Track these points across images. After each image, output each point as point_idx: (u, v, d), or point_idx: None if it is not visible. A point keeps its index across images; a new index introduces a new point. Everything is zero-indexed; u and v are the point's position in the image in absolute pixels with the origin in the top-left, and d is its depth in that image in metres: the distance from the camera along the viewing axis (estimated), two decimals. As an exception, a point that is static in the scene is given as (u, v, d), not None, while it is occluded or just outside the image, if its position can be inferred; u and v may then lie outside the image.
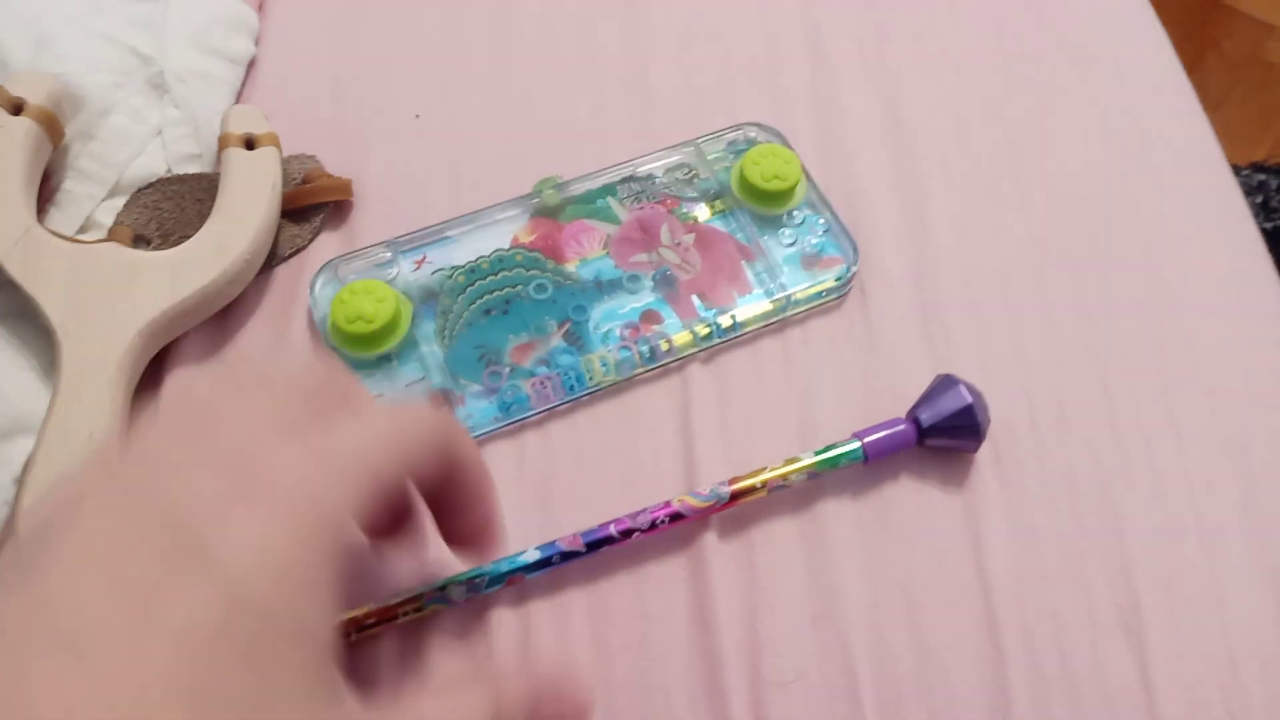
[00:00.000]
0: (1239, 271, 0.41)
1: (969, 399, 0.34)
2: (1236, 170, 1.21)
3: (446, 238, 0.40)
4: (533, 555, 0.32)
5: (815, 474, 0.34)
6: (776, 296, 0.38)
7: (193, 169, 0.40)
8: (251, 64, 0.45)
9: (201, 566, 0.20)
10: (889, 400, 0.36)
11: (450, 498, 0.28)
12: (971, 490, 0.35)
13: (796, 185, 0.40)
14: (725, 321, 0.37)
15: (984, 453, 0.35)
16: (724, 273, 0.39)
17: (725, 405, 0.37)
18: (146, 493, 0.21)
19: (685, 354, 0.37)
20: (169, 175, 0.40)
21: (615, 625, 0.32)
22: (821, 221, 0.40)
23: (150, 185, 0.39)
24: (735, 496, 0.33)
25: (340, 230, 0.41)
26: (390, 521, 0.28)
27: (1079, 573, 0.33)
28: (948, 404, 0.34)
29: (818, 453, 0.34)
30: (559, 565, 0.32)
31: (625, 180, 0.41)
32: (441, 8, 0.48)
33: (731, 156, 0.42)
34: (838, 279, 0.38)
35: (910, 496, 0.35)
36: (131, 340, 0.34)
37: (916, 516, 0.34)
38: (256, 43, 0.46)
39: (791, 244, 0.40)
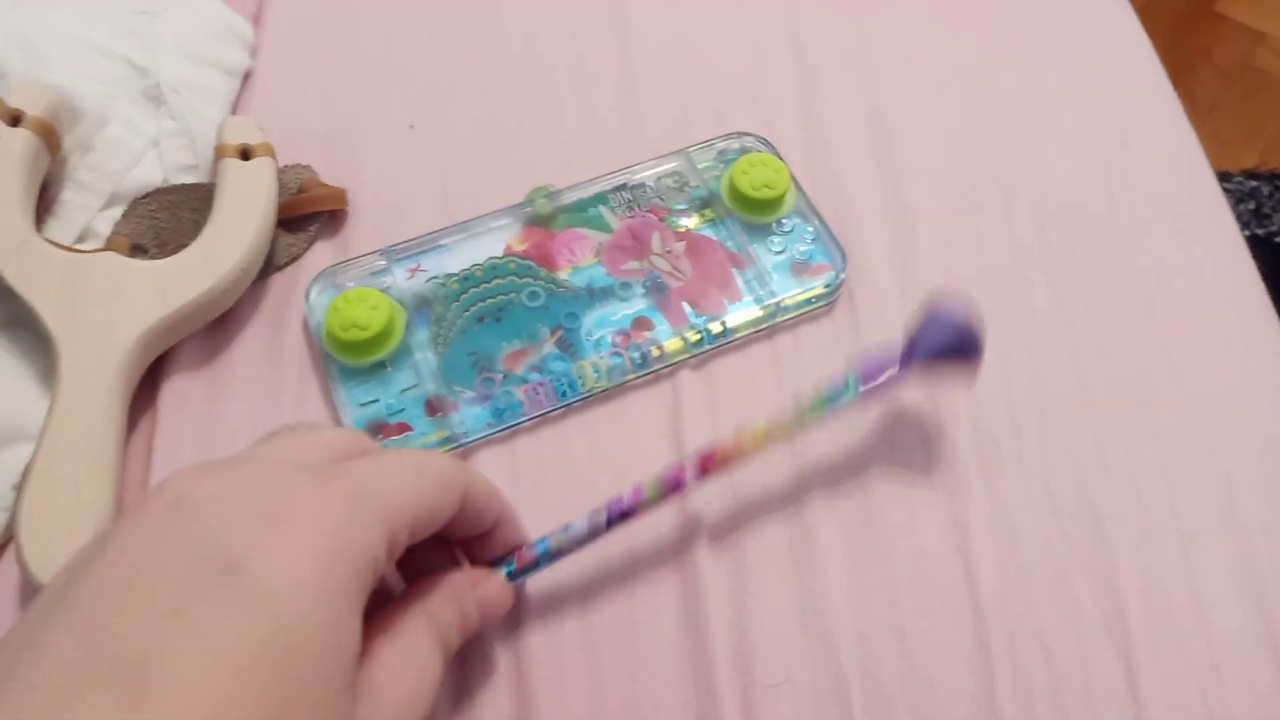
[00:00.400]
0: (1221, 278, 0.41)
1: (959, 318, 0.33)
2: (1228, 177, 1.22)
3: (440, 246, 0.40)
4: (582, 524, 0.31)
5: (805, 417, 0.32)
6: (766, 303, 0.38)
7: (189, 179, 0.41)
8: (247, 75, 0.46)
9: (242, 592, 0.21)
10: (872, 403, 0.37)
11: (476, 538, 0.30)
12: (956, 495, 0.35)
13: (785, 194, 0.40)
14: (715, 328, 0.38)
15: (968, 457, 0.36)
16: (714, 280, 0.39)
17: (716, 411, 0.37)
18: (181, 526, 0.22)
19: (676, 360, 0.38)
20: (166, 185, 0.40)
21: (605, 628, 0.33)
22: (810, 229, 0.41)
23: (147, 195, 0.40)
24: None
25: (335, 239, 0.41)
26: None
27: (1062, 577, 0.34)
28: (938, 325, 0.33)
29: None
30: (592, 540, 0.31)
31: (617, 189, 0.42)
32: (433, 20, 0.48)
33: (721, 165, 0.42)
34: (826, 286, 0.39)
35: (896, 501, 0.35)
36: (128, 348, 0.35)
37: (902, 521, 0.35)
38: (252, 54, 0.46)
39: (780, 252, 0.40)
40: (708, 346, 0.38)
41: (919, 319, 0.33)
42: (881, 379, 0.33)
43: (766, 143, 0.43)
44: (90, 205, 0.39)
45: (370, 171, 0.43)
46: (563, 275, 0.39)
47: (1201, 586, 0.34)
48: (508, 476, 0.35)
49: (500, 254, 0.40)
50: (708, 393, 0.37)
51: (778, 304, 0.38)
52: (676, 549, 0.34)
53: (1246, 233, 1.05)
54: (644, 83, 0.46)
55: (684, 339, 0.38)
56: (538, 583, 0.33)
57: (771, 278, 0.39)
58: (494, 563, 0.30)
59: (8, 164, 0.37)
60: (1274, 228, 1.17)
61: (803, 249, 0.40)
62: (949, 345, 0.33)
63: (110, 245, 0.38)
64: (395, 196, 0.42)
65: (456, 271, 0.39)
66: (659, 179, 0.42)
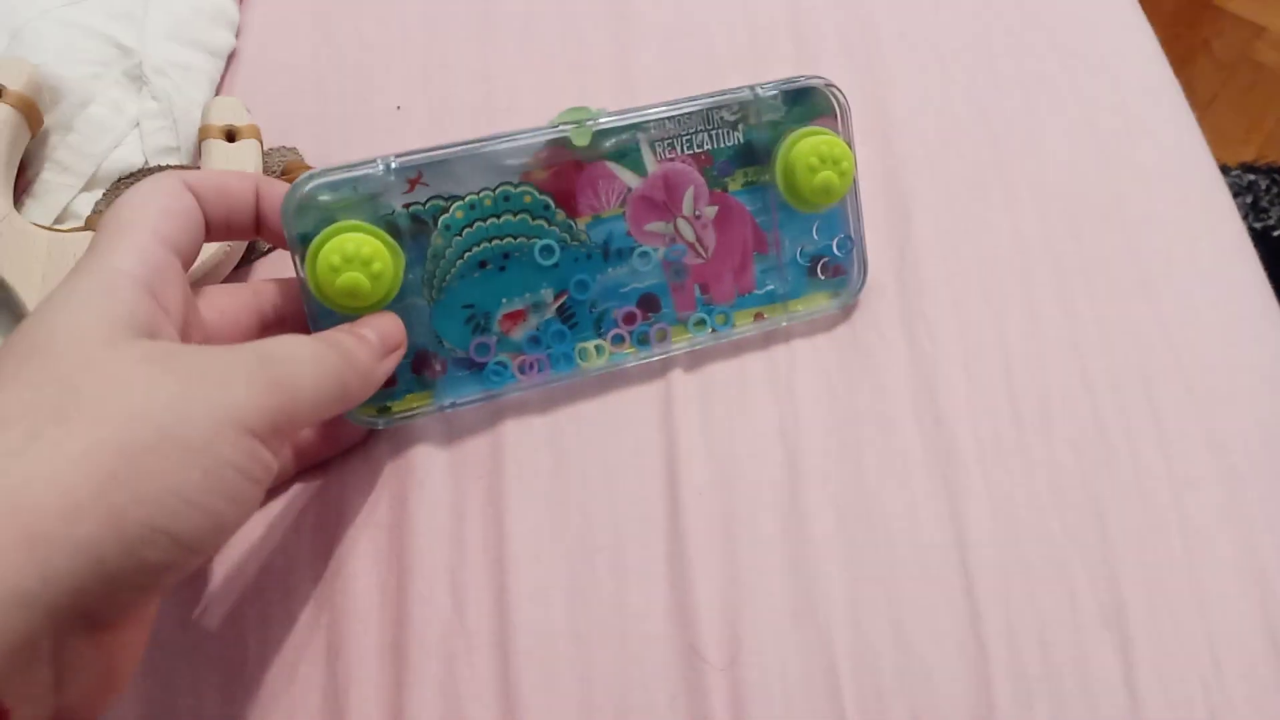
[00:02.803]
0: (1223, 269, 0.41)
1: None
2: (1226, 170, 1.22)
3: (449, 160, 0.33)
4: None
5: None
6: (776, 304, 0.37)
7: (171, 161, 0.40)
8: (232, 56, 0.45)
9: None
10: (869, 392, 0.36)
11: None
12: (954, 486, 0.34)
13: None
14: (720, 320, 0.37)
15: (967, 447, 0.35)
16: (731, 263, 0.37)
17: (708, 399, 0.36)
18: None
19: (678, 348, 0.36)
20: (149, 166, 0.39)
21: (594, 620, 0.32)
22: (845, 235, 0.38)
23: (130, 175, 0.39)
24: None
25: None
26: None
27: (1062, 569, 0.33)
28: None
29: None
30: None
31: (662, 121, 0.35)
32: None
33: (784, 108, 0.36)
34: (837, 296, 0.38)
35: (893, 492, 0.34)
36: None
37: (899, 512, 0.34)
38: (237, 35, 0.45)
39: (806, 248, 0.38)
40: (710, 336, 0.37)
41: None
42: None
43: (839, 102, 0.36)
44: (70, 186, 0.38)
45: (358, 154, 0.42)
46: (581, 224, 0.35)
47: (1203, 580, 0.33)
48: (490, 453, 0.35)
49: (516, 180, 0.34)
50: (700, 380, 0.37)
51: (787, 307, 0.37)
52: (667, 539, 0.33)
53: (1244, 226, 1.04)
54: (639, 66, 0.45)
55: (688, 327, 0.36)
56: (525, 571, 0.33)
57: (788, 275, 0.37)
58: None
59: None
60: (1271, 221, 1.16)
61: (828, 252, 0.38)
62: None
63: (90, 225, 0.37)
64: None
65: (463, 196, 0.33)
66: (713, 109, 0.35)
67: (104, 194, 0.38)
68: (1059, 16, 0.48)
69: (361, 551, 0.33)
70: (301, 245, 0.31)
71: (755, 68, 0.45)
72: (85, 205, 0.38)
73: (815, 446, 0.35)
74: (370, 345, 0.30)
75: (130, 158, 0.39)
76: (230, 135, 0.39)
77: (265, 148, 0.40)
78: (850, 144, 0.36)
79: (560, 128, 0.34)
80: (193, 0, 0.44)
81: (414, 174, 0.33)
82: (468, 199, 0.33)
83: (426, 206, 0.33)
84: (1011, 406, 0.36)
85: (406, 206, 0.33)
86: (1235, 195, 1.17)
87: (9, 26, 0.39)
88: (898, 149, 0.42)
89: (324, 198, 0.32)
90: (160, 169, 0.39)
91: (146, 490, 0.22)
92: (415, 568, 0.33)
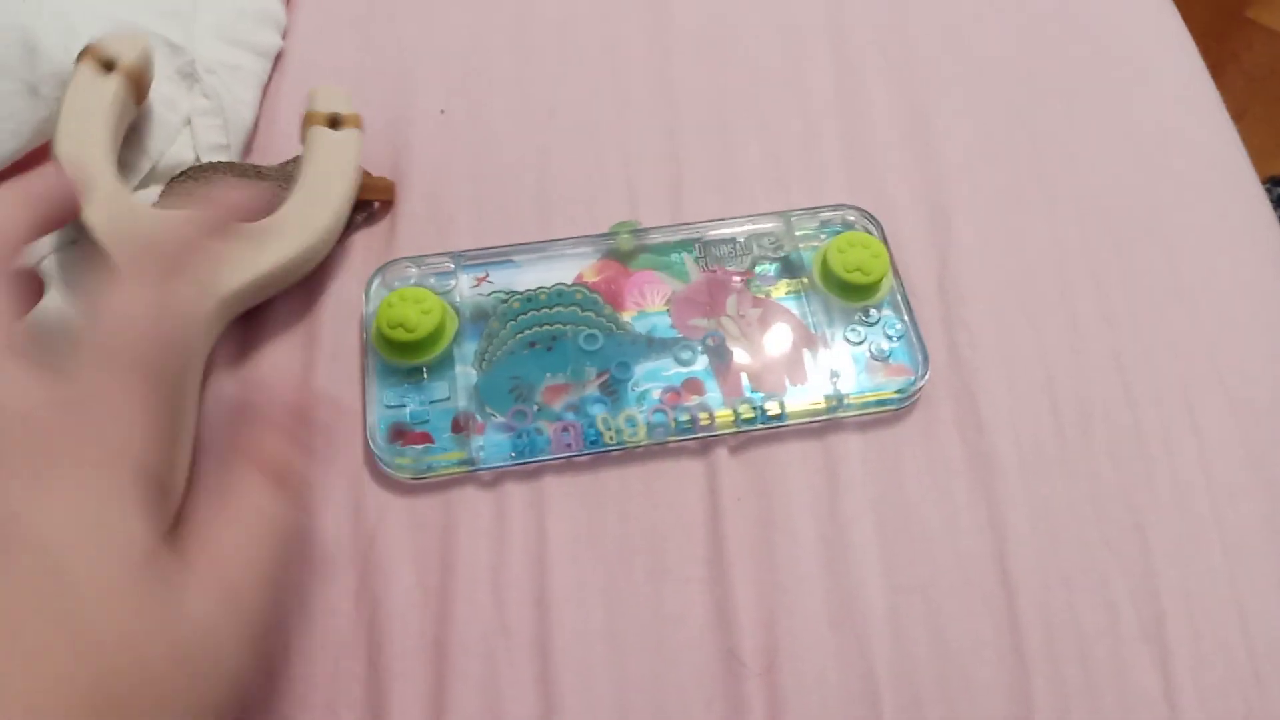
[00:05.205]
0: (1264, 279, 0.41)
1: None
2: (1255, 183, 1.20)
3: (512, 262, 0.39)
4: None
5: None
6: (830, 395, 0.36)
7: (221, 158, 0.40)
8: (278, 57, 0.45)
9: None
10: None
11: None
12: (994, 497, 0.34)
13: (880, 281, 0.38)
14: (772, 409, 0.35)
15: (1008, 458, 0.35)
16: (781, 357, 0.37)
17: (758, 491, 0.35)
18: None
19: (722, 432, 0.35)
20: (201, 163, 0.40)
21: (632, 624, 0.32)
22: (898, 325, 0.38)
23: (183, 172, 0.39)
24: None
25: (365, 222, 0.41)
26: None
27: (1102, 581, 0.33)
28: None
29: None
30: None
31: (707, 243, 0.40)
32: (469, 2, 0.48)
33: (822, 236, 0.40)
34: (899, 391, 0.36)
35: (933, 501, 0.34)
36: (211, 309, 0.34)
37: (938, 521, 0.34)
38: (283, 36, 0.46)
39: (860, 342, 0.37)
40: (759, 426, 0.35)
41: None
42: None
43: (873, 220, 0.40)
44: (128, 183, 0.39)
45: (403, 156, 0.42)
46: (626, 317, 0.38)
47: (1243, 593, 0.33)
48: (533, 513, 0.34)
49: (570, 282, 0.39)
50: (747, 472, 0.35)
51: (842, 399, 0.36)
52: (706, 545, 0.34)
53: (1274, 240, 1.03)
54: (678, 72, 0.45)
55: (735, 412, 0.35)
56: (565, 572, 0.33)
57: (843, 370, 0.37)
58: None
59: (99, 111, 0.36)
60: (1301, 236, 1.15)
61: (884, 346, 0.37)
62: None
63: (168, 201, 0.37)
64: (426, 182, 0.42)
65: (522, 291, 0.38)
66: (751, 237, 0.40)
67: (161, 192, 0.39)
68: (1099, 26, 0.48)
69: (403, 548, 0.33)
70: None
71: (793, 76, 0.45)
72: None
73: (854, 453, 0.35)
74: None
75: (182, 155, 0.40)
76: (334, 122, 0.39)
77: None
78: (885, 244, 0.39)
79: (609, 237, 0.39)
80: (240, 1, 0.44)
81: (481, 273, 0.39)
82: (526, 294, 0.38)
83: (489, 298, 0.38)
84: (1053, 416, 0.36)
85: (471, 297, 0.38)
86: (1265, 208, 1.16)
87: (65, 25, 0.40)
88: (937, 157, 0.42)
89: (399, 279, 0.38)
90: (212, 165, 0.40)
91: None
92: (457, 566, 0.33)
